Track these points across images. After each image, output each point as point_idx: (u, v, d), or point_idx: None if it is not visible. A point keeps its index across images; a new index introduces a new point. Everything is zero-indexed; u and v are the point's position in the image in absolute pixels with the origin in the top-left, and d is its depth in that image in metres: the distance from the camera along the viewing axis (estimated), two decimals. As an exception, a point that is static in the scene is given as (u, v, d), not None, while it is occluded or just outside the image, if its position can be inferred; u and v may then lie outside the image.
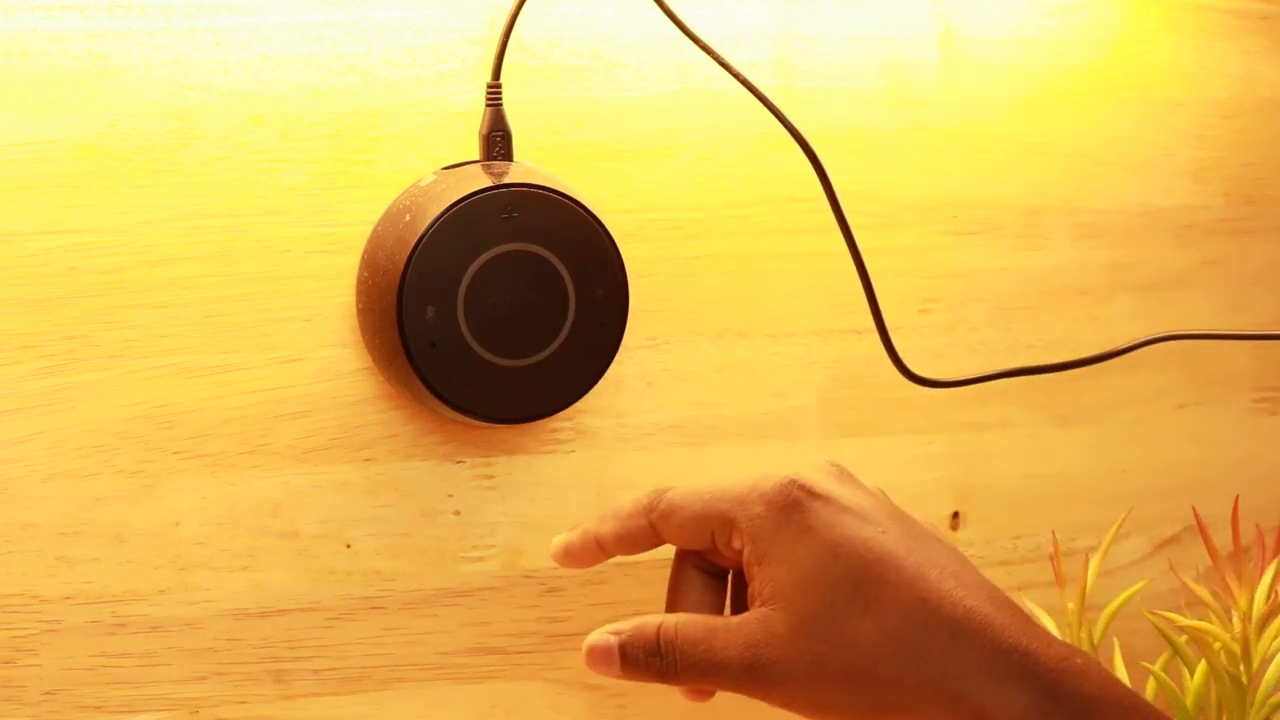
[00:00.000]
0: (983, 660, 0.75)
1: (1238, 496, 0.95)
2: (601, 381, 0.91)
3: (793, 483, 0.78)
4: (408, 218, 0.88)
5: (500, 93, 0.90)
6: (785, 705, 0.78)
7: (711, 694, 0.80)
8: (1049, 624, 0.95)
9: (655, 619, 0.79)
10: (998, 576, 1.01)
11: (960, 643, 0.75)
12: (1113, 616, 0.94)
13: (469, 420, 0.89)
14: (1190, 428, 1.05)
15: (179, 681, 0.90)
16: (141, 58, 0.87)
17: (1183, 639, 0.92)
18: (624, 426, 0.95)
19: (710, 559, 0.82)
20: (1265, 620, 0.90)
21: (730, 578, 0.82)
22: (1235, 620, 0.90)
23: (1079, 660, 0.75)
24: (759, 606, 0.77)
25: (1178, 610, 0.93)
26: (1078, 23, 1.01)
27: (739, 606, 0.81)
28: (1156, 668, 0.93)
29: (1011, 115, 1.00)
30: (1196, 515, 0.95)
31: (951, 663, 0.75)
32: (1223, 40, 1.03)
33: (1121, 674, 0.95)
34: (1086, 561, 0.95)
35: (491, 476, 0.94)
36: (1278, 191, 1.05)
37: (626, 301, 0.91)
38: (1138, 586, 0.96)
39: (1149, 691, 0.94)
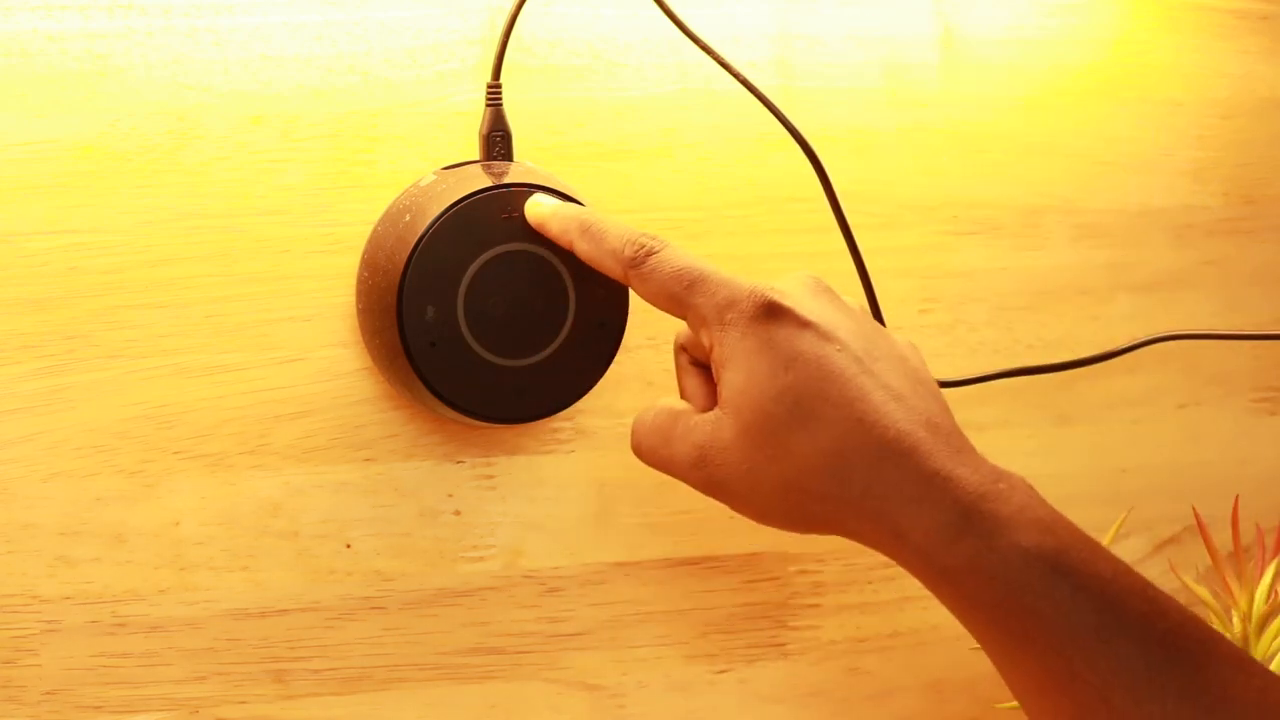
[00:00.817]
0: (904, 482, 0.77)
1: (1238, 496, 0.95)
2: (601, 381, 0.91)
3: (766, 296, 0.80)
4: (408, 218, 0.88)
5: (500, 93, 0.90)
6: (731, 506, 0.81)
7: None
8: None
9: (649, 405, 0.84)
10: (998, 576, 1.01)
11: (887, 464, 0.77)
12: (1113, 616, 0.94)
13: (469, 420, 0.89)
14: (1190, 428, 1.05)
15: (179, 681, 0.90)
16: (141, 58, 0.87)
17: (1183, 639, 0.92)
18: (624, 426, 0.95)
19: (690, 349, 0.85)
20: (1265, 620, 0.90)
21: None
22: (1235, 620, 0.90)
23: (1002, 485, 0.77)
24: (715, 409, 0.81)
25: (1178, 610, 0.93)
26: (1078, 23, 1.01)
27: None
28: (1156, 668, 0.93)
29: (1011, 115, 1.00)
30: (1196, 515, 0.95)
31: (875, 483, 0.77)
32: (1223, 40, 1.03)
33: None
34: (1086, 561, 0.95)
35: (491, 476, 0.94)
36: (1277, 191, 1.05)
37: (626, 301, 0.90)
38: (1138, 586, 0.95)
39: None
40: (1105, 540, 0.95)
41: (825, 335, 0.80)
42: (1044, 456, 1.03)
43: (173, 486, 0.89)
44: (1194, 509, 0.96)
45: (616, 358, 0.91)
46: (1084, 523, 1.03)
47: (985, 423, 1.01)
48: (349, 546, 0.92)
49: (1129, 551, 1.04)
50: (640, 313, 0.93)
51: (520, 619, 0.95)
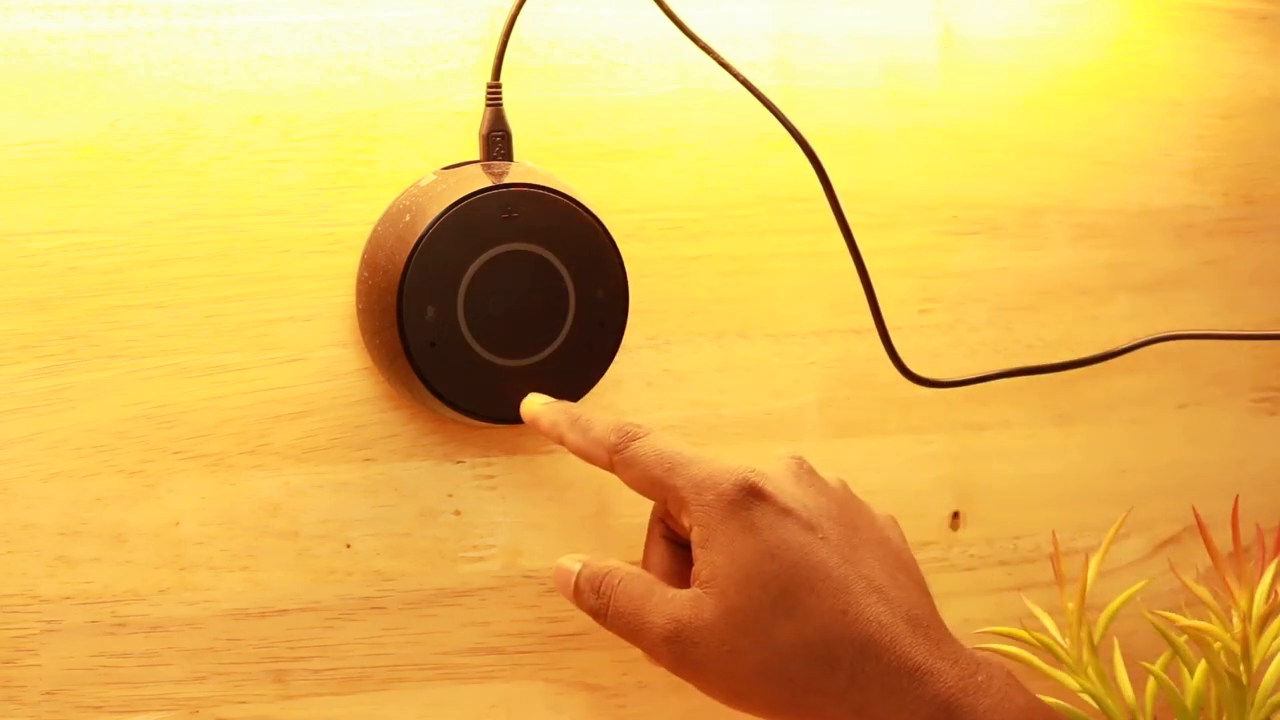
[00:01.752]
0: (886, 676, 0.79)
1: (1238, 496, 0.95)
2: (601, 381, 0.91)
3: (747, 479, 0.81)
4: (408, 218, 0.88)
5: (500, 93, 0.90)
6: (700, 687, 0.82)
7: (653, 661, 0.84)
8: (1049, 623, 0.95)
9: (614, 563, 0.84)
10: (998, 576, 1.02)
11: (869, 657, 0.79)
12: (1113, 616, 0.94)
13: (469, 420, 0.89)
14: (1190, 428, 1.05)
15: (179, 681, 0.90)
16: (141, 58, 0.87)
17: (1183, 639, 0.92)
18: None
19: (670, 526, 0.86)
20: (1265, 620, 0.90)
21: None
22: (1235, 620, 0.90)
23: (981, 677, 0.80)
24: (694, 587, 0.82)
25: (1178, 610, 0.93)
26: (1078, 23, 1.01)
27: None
28: (1156, 668, 0.93)
29: (1011, 115, 1.00)
30: (1196, 515, 0.95)
31: (858, 675, 0.79)
32: (1223, 40, 1.03)
33: (1121, 674, 0.95)
34: (1086, 561, 0.95)
35: (491, 476, 0.94)
36: (1277, 191, 1.05)
37: (626, 301, 0.91)
38: (1138, 586, 0.96)
39: (1149, 692, 0.94)
40: (1105, 540, 0.95)
41: (807, 524, 0.81)
42: (1044, 456, 1.03)
43: (173, 486, 0.89)
44: (1194, 509, 0.96)
45: (616, 358, 0.91)
46: (1084, 522, 1.03)
47: (985, 423, 1.01)
48: (349, 546, 0.92)
49: (1129, 552, 1.04)
50: (640, 313, 0.93)
51: (520, 619, 0.95)
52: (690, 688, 0.96)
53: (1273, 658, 0.91)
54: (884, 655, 0.79)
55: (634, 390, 0.95)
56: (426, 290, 0.87)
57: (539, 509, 0.95)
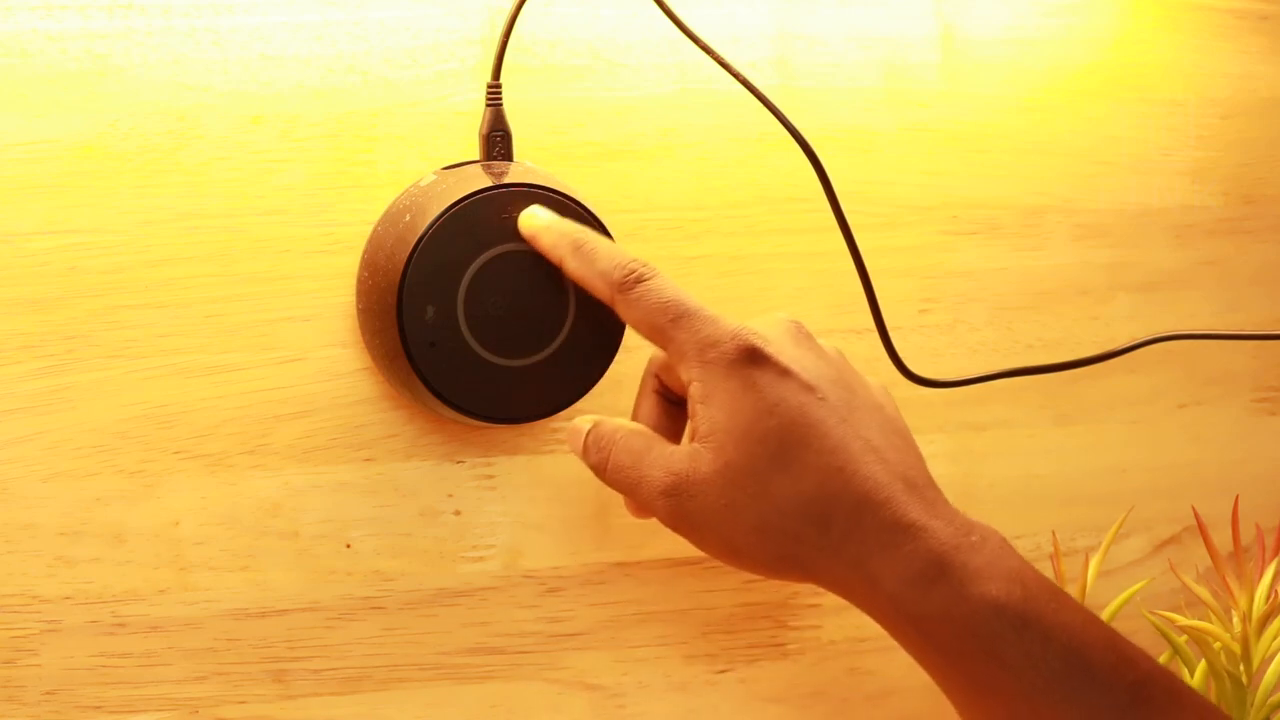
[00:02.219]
0: (881, 531, 0.79)
1: (1238, 496, 0.95)
2: (601, 381, 0.91)
3: (750, 341, 0.82)
4: (408, 218, 0.88)
5: (500, 93, 0.90)
6: (695, 542, 0.83)
7: (650, 515, 0.84)
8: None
9: (619, 421, 0.85)
10: (998, 576, 1.01)
11: (864, 513, 0.80)
12: (1113, 616, 0.94)
13: (469, 420, 0.89)
14: (1190, 428, 1.05)
15: (179, 681, 0.90)
16: (141, 58, 0.87)
17: (1183, 639, 0.92)
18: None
19: (665, 380, 0.86)
20: (1265, 620, 0.90)
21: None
22: (1235, 620, 0.90)
23: (974, 537, 0.80)
24: (692, 442, 0.82)
25: (1178, 610, 0.93)
26: (1077, 23, 1.01)
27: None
28: (1156, 668, 0.93)
29: (1011, 115, 1.00)
30: (1196, 515, 0.95)
31: (853, 530, 0.80)
32: (1223, 40, 1.03)
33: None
34: (1086, 561, 0.95)
35: (491, 476, 0.94)
36: (1277, 191, 1.05)
37: (626, 301, 0.90)
38: (1138, 586, 0.96)
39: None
40: (1105, 540, 0.95)
41: (806, 385, 0.82)
42: (1044, 456, 1.03)
43: (173, 486, 0.89)
44: (1194, 509, 0.96)
45: (616, 358, 0.91)
46: (1084, 522, 1.03)
47: (985, 423, 1.01)
48: (349, 546, 0.92)
49: (1129, 552, 1.04)
50: (640, 313, 0.93)
51: (520, 619, 0.95)
52: (690, 687, 0.96)
53: (1273, 658, 0.91)
54: (879, 511, 0.79)
55: (634, 390, 0.95)
56: (426, 290, 0.87)
57: (539, 509, 0.95)
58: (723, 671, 0.98)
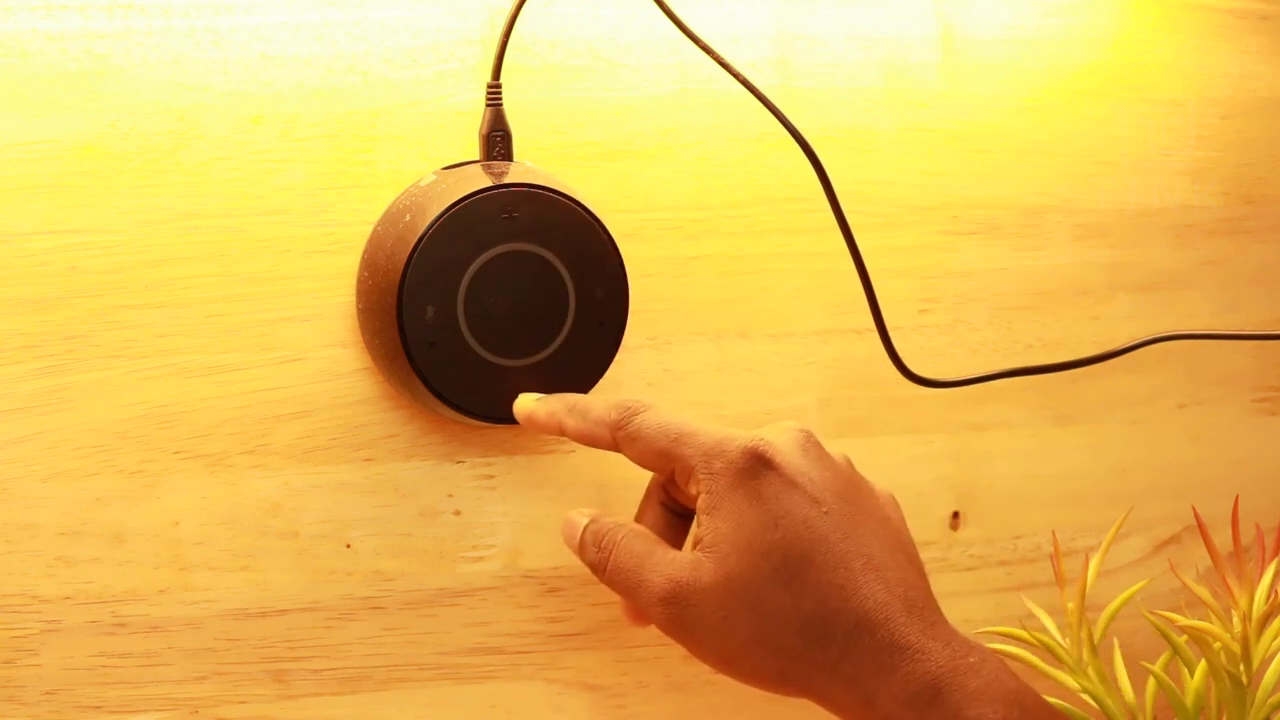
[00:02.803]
0: (879, 651, 0.80)
1: (1238, 496, 0.95)
2: (601, 381, 0.91)
3: (756, 448, 0.82)
4: (408, 218, 0.88)
5: (500, 93, 0.90)
6: (691, 650, 0.83)
7: (646, 622, 0.85)
8: (1049, 624, 0.95)
9: (619, 520, 0.85)
10: (998, 576, 1.02)
11: (863, 633, 0.80)
12: (1113, 616, 0.94)
13: (469, 420, 0.89)
14: (1190, 428, 1.05)
15: (179, 681, 0.90)
16: (141, 58, 0.87)
17: (1183, 639, 0.92)
18: (624, 426, 0.95)
19: (673, 494, 0.86)
20: (1265, 620, 0.90)
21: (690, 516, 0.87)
22: (1235, 620, 0.90)
23: (973, 659, 0.81)
24: (695, 550, 0.82)
25: (1178, 610, 0.93)
26: (1078, 23, 1.01)
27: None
28: (1156, 668, 0.93)
29: (1011, 115, 1.00)
30: (1196, 515, 0.95)
31: (851, 649, 0.80)
32: (1223, 40, 1.03)
33: (1121, 674, 0.95)
34: (1086, 561, 0.95)
35: (491, 476, 0.94)
36: (1277, 191, 1.05)
37: (626, 301, 0.91)
38: (1138, 586, 0.96)
39: (1149, 692, 0.94)
40: (1105, 540, 0.95)
41: (812, 498, 0.82)
42: (1044, 456, 1.03)
43: (173, 486, 0.89)
44: (1194, 509, 0.96)
45: (616, 358, 0.91)
46: (1084, 522, 1.03)
47: (985, 423, 1.01)
48: (349, 546, 0.92)
49: (1129, 552, 1.04)
50: (640, 313, 0.94)
51: (520, 619, 0.95)
52: (690, 687, 0.96)
53: (1273, 658, 0.91)
54: (878, 631, 0.80)
55: (634, 390, 0.95)
56: (426, 290, 0.87)
57: (539, 509, 0.95)
58: (723, 671, 0.98)
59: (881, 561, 0.82)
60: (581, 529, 0.86)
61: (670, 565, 0.82)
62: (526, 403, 0.88)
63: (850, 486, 0.84)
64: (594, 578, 0.95)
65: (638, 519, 0.87)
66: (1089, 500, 1.03)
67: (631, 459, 0.85)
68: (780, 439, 0.83)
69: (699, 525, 0.83)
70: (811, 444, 0.84)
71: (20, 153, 0.86)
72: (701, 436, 0.83)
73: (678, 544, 0.87)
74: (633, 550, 0.84)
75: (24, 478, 0.87)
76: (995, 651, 0.82)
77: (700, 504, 0.83)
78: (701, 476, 0.82)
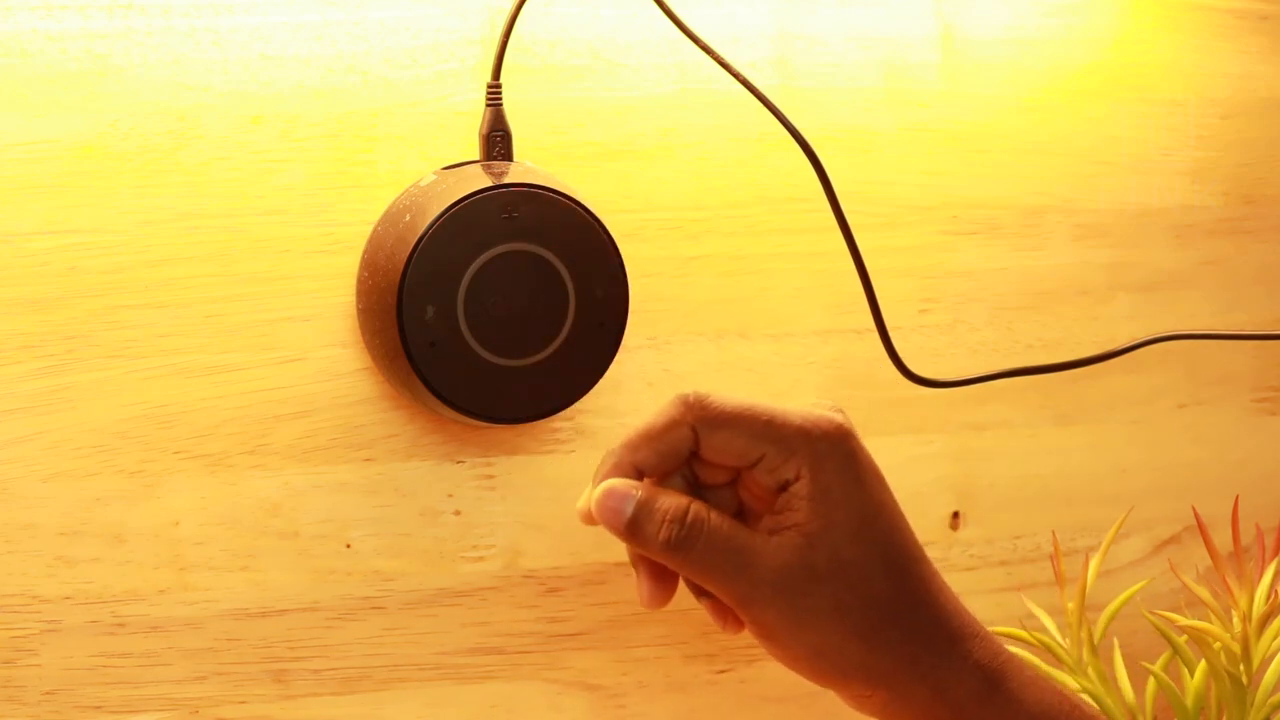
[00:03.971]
0: (954, 640, 0.80)
1: (1238, 496, 0.95)
2: (601, 381, 0.91)
3: (849, 432, 0.80)
4: (408, 218, 0.88)
5: (500, 93, 0.90)
6: (785, 643, 0.79)
7: (740, 627, 0.80)
8: (1049, 623, 0.95)
9: (687, 498, 0.78)
10: (998, 576, 1.02)
11: (941, 623, 0.80)
12: (1113, 616, 0.94)
13: (469, 420, 0.89)
14: (1190, 428, 1.05)
15: (179, 681, 0.90)
16: (141, 58, 0.87)
17: (1183, 639, 0.92)
18: (624, 426, 0.95)
19: (697, 470, 0.81)
20: (1265, 620, 0.90)
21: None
22: (1235, 620, 0.90)
23: (1013, 653, 0.82)
24: (797, 537, 0.78)
25: (1178, 610, 0.93)
26: (1078, 23, 1.01)
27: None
28: (1156, 668, 0.93)
29: (1011, 115, 1.00)
30: (1196, 515, 0.95)
31: (935, 640, 0.80)
32: (1223, 40, 1.03)
33: (1121, 674, 0.95)
34: (1086, 561, 0.95)
35: (491, 476, 0.94)
36: (1277, 191, 1.05)
37: (626, 301, 0.91)
38: (1138, 586, 0.96)
39: (1149, 692, 0.94)
40: (1105, 540, 0.95)
41: (889, 489, 0.81)
42: (1044, 456, 1.03)
43: (173, 486, 0.89)
44: (1194, 509, 0.96)
45: (616, 358, 0.91)
46: (1084, 522, 1.03)
47: (985, 423, 1.01)
48: (349, 546, 0.92)
49: (1129, 552, 1.04)
50: (640, 313, 0.94)
51: (520, 619, 0.95)
52: (690, 687, 0.96)
53: (1273, 658, 0.91)
54: (952, 621, 0.80)
55: (634, 390, 0.95)
56: (426, 290, 0.87)
57: (539, 509, 0.95)
58: (723, 671, 0.98)
59: (920, 552, 0.82)
60: (635, 502, 0.77)
61: (780, 549, 0.77)
62: (596, 493, 0.79)
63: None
64: (594, 578, 0.95)
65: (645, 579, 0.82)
66: (1089, 500, 1.03)
67: (709, 449, 0.78)
68: (851, 425, 0.81)
69: (794, 510, 0.78)
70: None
71: (20, 153, 0.86)
72: (792, 416, 0.78)
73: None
74: (728, 533, 0.78)
75: (24, 478, 0.87)
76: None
77: (800, 488, 0.78)
78: (806, 458, 0.78)
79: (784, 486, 0.79)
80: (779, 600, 0.77)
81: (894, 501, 0.81)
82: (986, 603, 1.01)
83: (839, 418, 0.80)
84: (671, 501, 0.78)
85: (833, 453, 0.79)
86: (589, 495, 0.79)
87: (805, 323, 0.98)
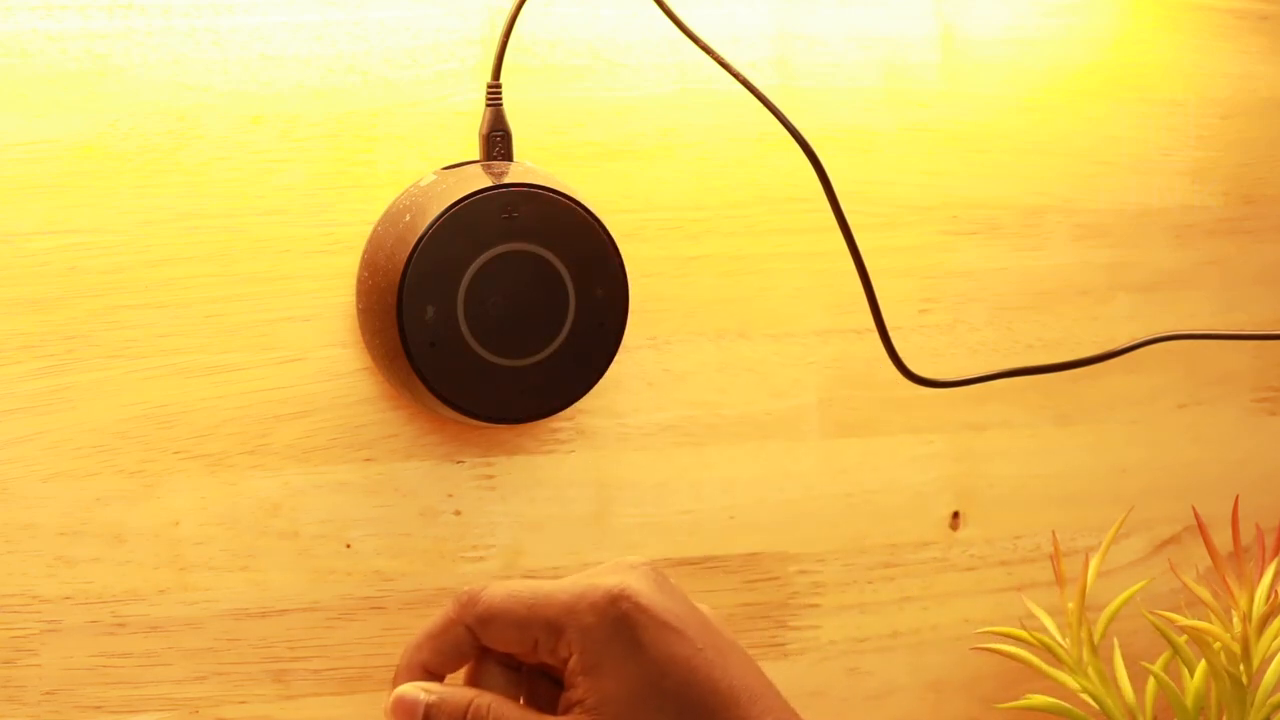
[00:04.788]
0: None
1: (1238, 496, 0.95)
2: (601, 381, 0.91)
3: (621, 595, 0.77)
4: (408, 218, 0.88)
5: (500, 93, 0.90)
6: None
7: None
8: (1049, 623, 0.95)
9: (471, 691, 0.78)
10: (998, 576, 1.02)
11: None
12: (1113, 616, 0.94)
13: (469, 420, 0.89)
14: (1190, 428, 1.05)
15: (179, 681, 0.90)
16: (141, 58, 0.87)
17: (1183, 639, 0.92)
18: (624, 426, 0.95)
19: (515, 655, 0.80)
20: (1265, 620, 0.90)
21: (525, 670, 0.80)
22: (1235, 620, 0.90)
23: None
24: (581, 714, 0.77)
25: (1178, 610, 0.93)
26: (1078, 23, 1.01)
27: (539, 703, 0.79)
28: (1156, 668, 0.93)
29: (1011, 115, 1.00)
30: (1196, 515, 0.95)
31: None
32: (1223, 40, 1.03)
33: (1121, 674, 0.95)
34: (1086, 561, 0.95)
35: (491, 476, 0.94)
36: (1277, 191, 1.05)
37: (626, 301, 0.91)
38: (1138, 586, 0.96)
39: (1149, 692, 0.94)
40: (1105, 540, 0.95)
41: (685, 637, 0.77)
42: (1044, 456, 1.03)
43: (173, 486, 0.89)
44: (1194, 509, 0.96)
45: (616, 358, 0.91)
46: (1084, 522, 1.03)
47: (985, 423, 1.01)
48: (349, 546, 0.92)
49: (1129, 552, 1.04)
50: (640, 313, 0.94)
51: (520, 619, 0.95)
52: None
53: (1273, 658, 0.91)
54: None
55: (634, 390, 0.95)
56: (426, 290, 0.87)
57: (539, 509, 0.95)
58: (723, 671, 0.98)
59: (759, 689, 0.78)
60: (424, 706, 0.76)
61: None
62: (397, 694, 0.78)
63: (700, 614, 0.80)
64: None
65: (471, 679, 0.79)
66: (1089, 500, 1.03)
67: (490, 642, 0.78)
68: (636, 580, 0.78)
69: (574, 688, 0.77)
70: (661, 577, 0.79)
71: (20, 153, 0.86)
72: (559, 594, 0.77)
73: (533, 705, 0.79)
74: (507, 718, 0.76)
75: (24, 478, 0.87)
76: None
77: (574, 665, 0.77)
78: (572, 635, 0.76)
79: (565, 665, 0.78)
80: None
81: (691, 651, 0.77)
82: (986, 603, 1.02)
83: (614, 581, 0.77)
84: (454, 699, 0.77)
85: (600, 624, 0.77)
86: (397, 693, 0.78)
87: (805, 323, 0.98)
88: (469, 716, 0.77)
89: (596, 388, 0.91)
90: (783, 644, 0.99)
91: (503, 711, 0.77)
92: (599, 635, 0.77)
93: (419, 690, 0.77)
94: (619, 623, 0.77)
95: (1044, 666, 0.93)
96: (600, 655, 0.77)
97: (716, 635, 0.79)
